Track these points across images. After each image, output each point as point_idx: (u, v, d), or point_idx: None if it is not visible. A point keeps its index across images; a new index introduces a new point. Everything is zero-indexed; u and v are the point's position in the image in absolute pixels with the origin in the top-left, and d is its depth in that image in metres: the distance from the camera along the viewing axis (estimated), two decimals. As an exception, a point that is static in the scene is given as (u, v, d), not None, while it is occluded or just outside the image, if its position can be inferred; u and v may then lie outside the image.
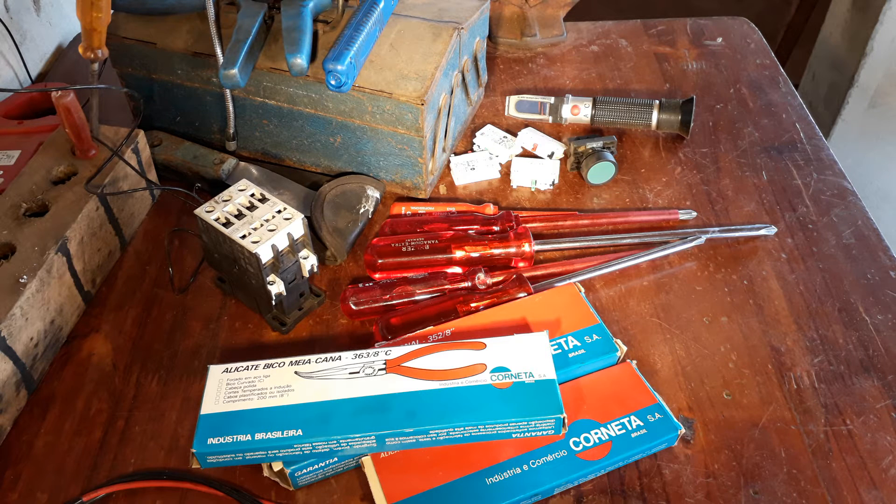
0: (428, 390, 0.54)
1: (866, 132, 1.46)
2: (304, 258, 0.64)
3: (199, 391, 0.61)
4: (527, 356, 0.56)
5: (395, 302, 0.66)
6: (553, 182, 0.80)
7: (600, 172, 0.78)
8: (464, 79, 0.81)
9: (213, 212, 0.62)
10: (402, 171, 0.77)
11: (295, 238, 0.62)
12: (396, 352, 0.57)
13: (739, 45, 0.99)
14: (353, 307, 0.66)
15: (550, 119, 0.86)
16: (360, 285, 0.67)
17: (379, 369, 0.56)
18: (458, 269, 0.70)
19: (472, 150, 0.84)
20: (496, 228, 0.72)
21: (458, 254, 0.69)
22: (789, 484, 0.56)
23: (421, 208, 0.76)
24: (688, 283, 0.70)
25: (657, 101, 0.83)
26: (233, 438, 0.53)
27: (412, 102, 0.70)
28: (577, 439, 0.56)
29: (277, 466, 0.54)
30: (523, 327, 0.62)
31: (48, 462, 0.59)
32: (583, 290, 0.66)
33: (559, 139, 0.84)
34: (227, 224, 0.62)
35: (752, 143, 0.84)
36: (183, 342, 0.66)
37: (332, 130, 0.77)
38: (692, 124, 0.84)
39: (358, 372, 0.56)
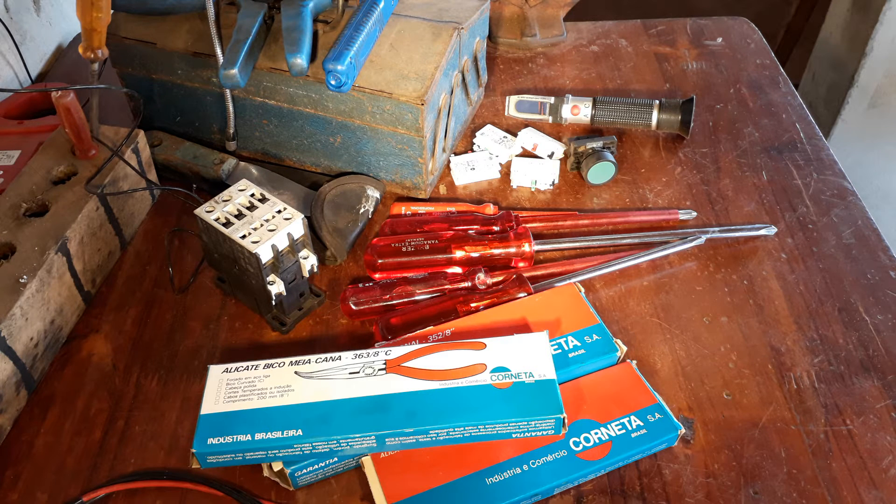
0: (428, 390, 0.54)
1: (866, 132, 1.46)
2: (304, 258, 0.64)
3: (199, 391, 0.61)
4: (527, 356, 0.56)
5: (395, 302, 0.66)
6: (553, 182, 0.80)
7: (600, 172, 0.78)
8: (464, 79, 0.81)
9: (213, 212, 0.62)
10: (402, 171, 0.77)
11: (295, 238, 0.62)
12: (396, 352, 0.57)
13: (739, 45, 0.99)
14: (353, 307, 0.66)
15: (550, 119, 0.86)
16: (360, 285, 0.67)
17: (379, 369, 0.56)
18: (458, 269, 0.70)
19: (472, 150, 0.84)
20: (496, 228, 0.72)
21: (458, 254, 0.69)
22: (789, 484, 0.56)
23: (421, 208, 0.76)
24: (688, 283, 0.70)
25: (657, 101, 0.83)
26: (233, 438, 0.53)
27: (412, 102, 0.70)
28: (577, 439, 0.56)
29: (277, 466, 0.54)
30: (523, 327, 0.62)
31: (48, 462, 0.59)
32: (583, 290, 0.66)
33: (559, 139, 0.84)
34: (227, 224, 0.62)
35: (752, 143, 0.84)
36: (183, 342, 0.66)
37: (332, 130, 0.77)
38: (692, 124, 0.84)
39: (358, 372, 0.56)
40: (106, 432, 0.60)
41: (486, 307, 0.65)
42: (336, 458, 0.55)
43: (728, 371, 0.63)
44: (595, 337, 0.61)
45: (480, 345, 0.58)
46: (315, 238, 0.72)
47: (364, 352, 0.58)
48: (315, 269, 0.65)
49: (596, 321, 0.62)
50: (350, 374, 0.56)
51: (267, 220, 0.62)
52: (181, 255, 0.74)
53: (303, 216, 0.62)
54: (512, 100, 0.87)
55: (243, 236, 0.60)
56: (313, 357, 0.58)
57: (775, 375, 0.62)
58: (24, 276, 0.60)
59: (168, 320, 0.68)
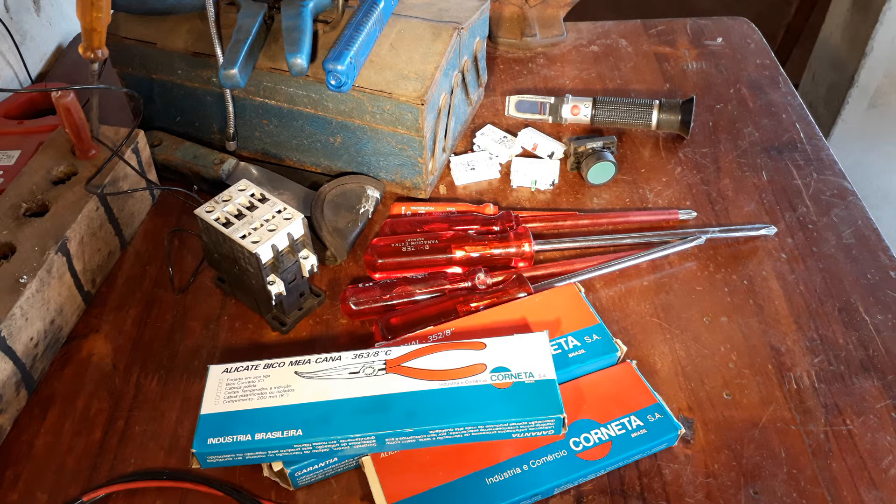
0: (428, 390, 0.54)
1: (866, 132, 1.46)
2: (304, 258, 0.64)
3: (199, 391, 0.61)
4: (527, 356, 0.56)
5: (395, 302, 0.66)
6: (553, 182, 0.80)
7: (600, 172, 0.78)
8: (464, 79, 0.81)
9: (213, 212, 0.62)
10: (402, 171, 0.77)
11: (295, 238, 0.62)
12: (396, 352, 0.57)
13: (739, 45, 0.99)
14: (353, 307, 0.66)
15: (550, 119, 0.86)
16: (360, 285, 0.67)
17: (379, 369, 0.56)
18: (458, 269, 0.70)
19: (472, 150, 0.84)
20: (496, 228, 0.72)
21: (458, 254, 0.69)
22: (789, 484, 0.56)
23: (421, 208, 0.76)
24: (688, 283, 0.70)
25: (657, 101, 0.83)
26: (233, 438, 0.53)
27: (412, 102, 0.70)
28: (577, 439, 0.56)
29: (277, 466, 0.54)
30: (523, 327, 0.62)
31: (48, 462, 0.59)
32: (583, 290, 0.66)
33: (559, 139, 0.84)
34: (227, 224, 0.62)
35: (752, 143, 0.84)
36: (183, 342, 0.66)
37: (332, 130, 0.77)
38: (692, 124, 0.84)
39: (358, 372, 0.56)
40: (106, 432, 0.60)
41: (486, 307, 0.65)
42: (336, 458, 0.55)
43: (728, 371, 0.63)
44: (595, 337, 0.61)
45: (480, 345, 0.58)
46: (315, 238, 0.72)
47: (364, 352, 0.58)
48: (315, 269, 0.65)
49: (596, 321, 0.62)
50: (350, 374, 0.56)
51: (267, 220, 0.62)
52: (181, 255, 0.74)
53: (303, 216, 0.62)
54: (512, 100, 0.87)
55: (243, 236, 0.60)
56: (313, 357, 0.58)
57: (775, 375, 0.62)
58: (24, 276, 0.60)
59: (168, 320, 0.68)
